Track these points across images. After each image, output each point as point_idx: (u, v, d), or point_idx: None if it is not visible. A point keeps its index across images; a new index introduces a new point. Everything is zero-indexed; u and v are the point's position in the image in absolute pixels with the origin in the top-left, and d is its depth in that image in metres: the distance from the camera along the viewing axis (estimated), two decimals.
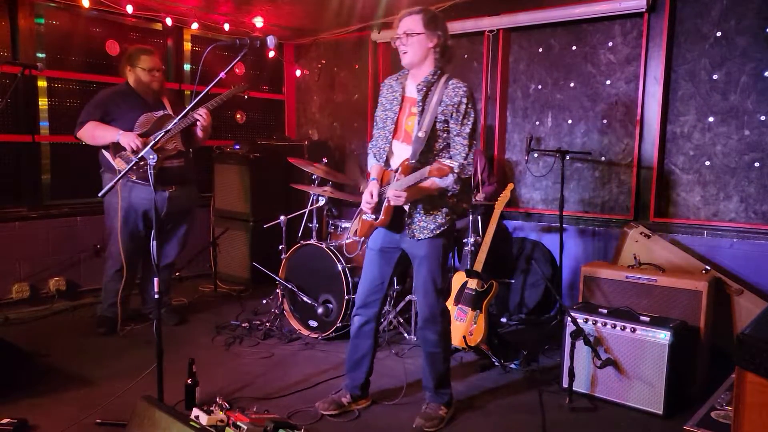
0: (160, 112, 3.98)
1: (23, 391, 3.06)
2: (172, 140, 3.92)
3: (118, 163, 3.82)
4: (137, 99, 3.97)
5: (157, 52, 4.11)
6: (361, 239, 3.91)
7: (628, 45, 4.33)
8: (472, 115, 2.71)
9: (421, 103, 2.70)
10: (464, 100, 2.67)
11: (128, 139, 3.75)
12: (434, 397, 2.93)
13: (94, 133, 3.84)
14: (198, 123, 3.83)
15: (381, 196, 2.80)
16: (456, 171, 2.52)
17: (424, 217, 2.75)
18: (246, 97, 3.85)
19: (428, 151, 2.70)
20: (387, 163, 2.86)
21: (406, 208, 2.75)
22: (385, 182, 2.82)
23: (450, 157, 2.70)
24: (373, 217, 2.82)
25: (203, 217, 5.66)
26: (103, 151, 3.92)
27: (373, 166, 2.92)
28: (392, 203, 2.68)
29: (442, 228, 2.76)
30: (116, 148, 3.83)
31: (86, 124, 3.85)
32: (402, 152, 2.77)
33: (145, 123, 3.89)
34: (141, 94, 3.98)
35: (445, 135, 2.72)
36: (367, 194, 2.81)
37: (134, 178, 3.85)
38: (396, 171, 2.75)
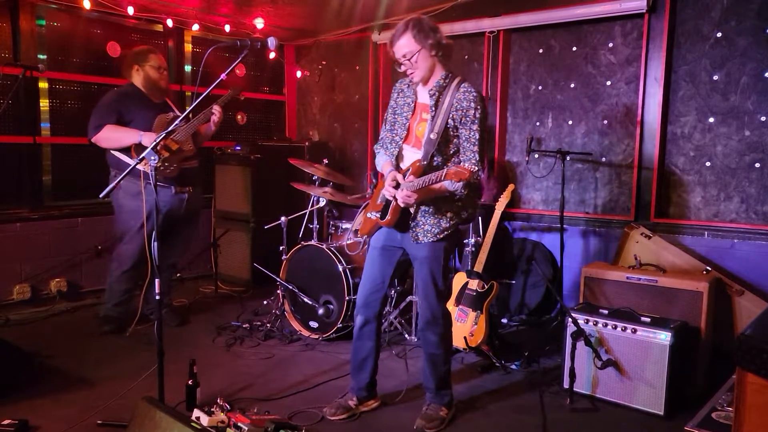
0: (170, 114, 3.97)
1: (24, 392, 3.06)
2: (188, 141, 3.91)
3: (144, 165, 3.80)
4: (146, 99, 3.96)
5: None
6: (363, 239, 3.91)
7: (629, 46, 4.32)
8: (483, 121, 2.67)
9: (433, 108, 2.69)
10: (473, 105, 2.64)
11: (152, 140, 3.71)
12: (435, 398, 2.93)
13: (112, 136, 3.80)
14: (213, 118, 3.90)
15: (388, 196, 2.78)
16: (474, 175, 2.48)
17: (428, 220, 2.74)
18: (242, 98, 3.97)
19: (439, 154, 2.70)
20: (395, 165, 2.84)
21: (412, 210, 2.73)
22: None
23: (459, 163, 2.68)
24: (379, 215, 2.81)
25: (204, 218, 5.68)
26: (116, 153, 3.86)
27: (385, 162, 2.87)
28: (401, 203, 2.66)
29: (445, 232, 2.75)
30: (138, 150, 3.75)
31: (103, 127, 3.80)
32: (412, 156, 2.76)
33: (161, 125, 3.83)
34: (147, 94, 3.97)
35: (456, 140, 2.71)
36: (390, 180, 2.72)
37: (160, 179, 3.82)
38: (405, 172, 2.73)
